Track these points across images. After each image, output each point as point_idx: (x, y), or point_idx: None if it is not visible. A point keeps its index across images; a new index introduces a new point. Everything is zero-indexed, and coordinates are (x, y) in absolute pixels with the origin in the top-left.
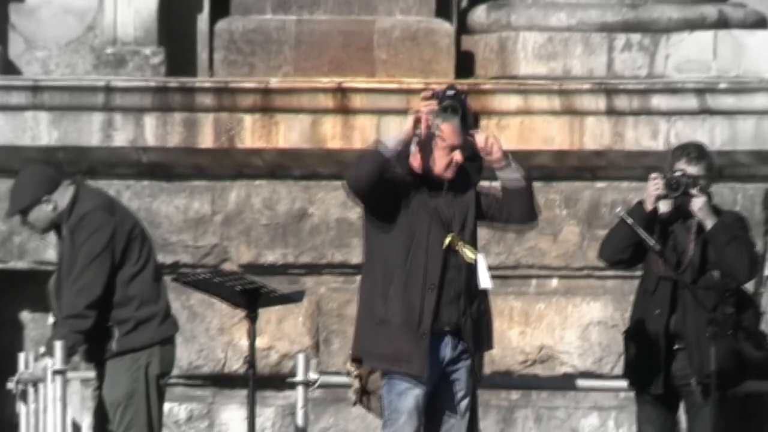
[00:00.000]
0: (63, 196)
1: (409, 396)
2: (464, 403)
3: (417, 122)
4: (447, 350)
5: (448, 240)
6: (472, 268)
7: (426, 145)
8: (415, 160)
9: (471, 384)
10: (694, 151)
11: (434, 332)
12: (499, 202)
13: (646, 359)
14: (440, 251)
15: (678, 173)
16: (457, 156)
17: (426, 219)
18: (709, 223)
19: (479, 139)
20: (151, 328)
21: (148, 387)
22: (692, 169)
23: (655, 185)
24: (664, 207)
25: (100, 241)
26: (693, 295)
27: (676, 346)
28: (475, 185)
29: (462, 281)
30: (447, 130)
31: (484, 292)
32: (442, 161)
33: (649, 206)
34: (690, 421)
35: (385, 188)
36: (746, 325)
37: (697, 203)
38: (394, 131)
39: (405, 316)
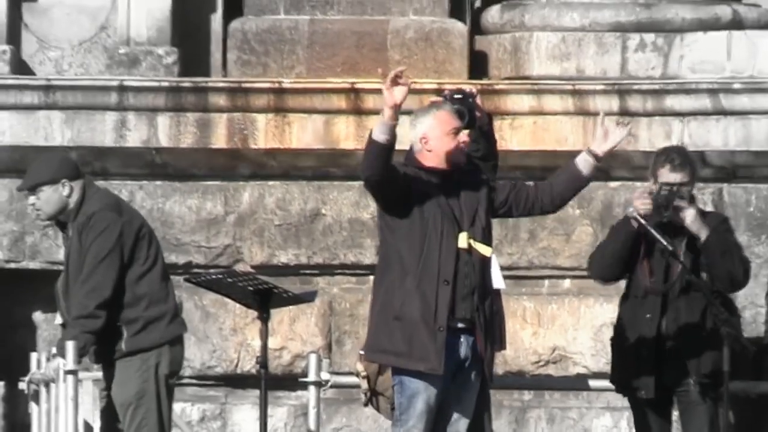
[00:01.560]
0: (77, 191)
1: (420, 398)
2: (472, 403)
3: (394, 107)
4: (462, 349)
5: (463, 238)
6: (485, 265)
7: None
8: (422, 157)
9: (480, 383)
10: (677, 157)
11: (450, 328)
12: (527, 193)
13: (637, 364)
14: (454, 246)
15: (664, 191)
16: (464, 137)
17: (438, 215)
18: (702, 234)
19: (612, 128)
20: (161, 328)
21: (158, 387)
22: (676, 176)
23: (642, 204)
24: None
25: (108, 241)
26: (685, 302)
27: (668, 345)
28: (489, 183)
29: (476, 277)
30: (443, 116)
31: (497, 293)
32: (450, 145)
33: (635, 224)
34: (685, 423)
35: (396, 179)
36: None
37: (689, 216)
38: (379, 119)
39: (421, 311)
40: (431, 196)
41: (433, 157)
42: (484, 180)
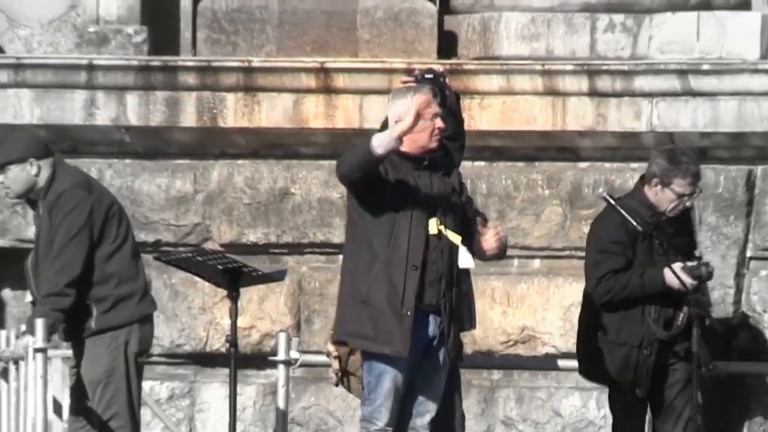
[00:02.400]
0: (46, 169)
1: (387, 378)
2: (440, 383)
3: (407, 132)
4: (429, 330)
5: (433, 224)
6: (454, 251)
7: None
8: (403, 141)
9: (448, 364)
10: (696, 173)
11: (417, 312)
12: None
13: (630, 363)
14: (423, 232)
15: (703, 270)
16: (439, 123)
17: (408, 200)
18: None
19: (489, 234)
20: (130, 306)
21: (127, 365)
22: (692, 188)
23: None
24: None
25: (78, 219)
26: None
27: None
28: (458, 165)
29: (444, 264)
30: (421, 99)
31: (466, 273)
32: (425, 132)
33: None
34: (662, 404)
35: (373, 178)
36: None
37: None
38: (386, 135)
39: (388, 295)
40: (403, 181)
41: (407, 141)
42: (455, 165)
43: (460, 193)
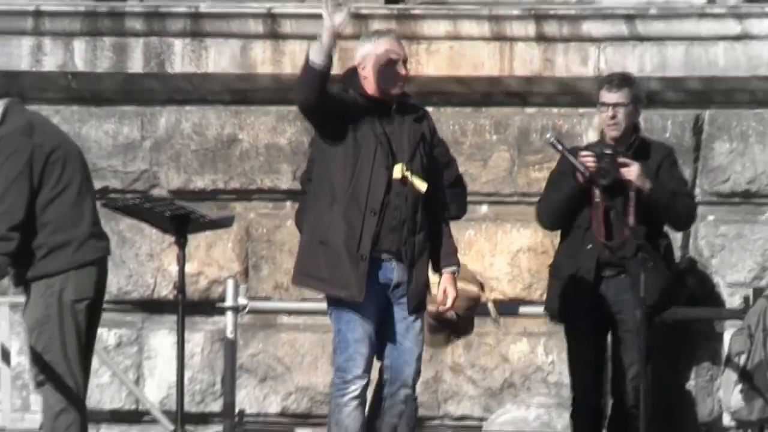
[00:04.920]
0: None
1: (356, 324)
2: (417, 325)
3: (332, 32)
4: (392, 275)
5: (398, 169)
6: (419, 199)
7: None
8: (368, 84)
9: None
10: (615, 79)
11: (375, 257)
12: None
13: (575, 294)
14: (384, 176)
15: (607, 158)
16: (401, 69)
17: (372, 143)
18: (646, 186)
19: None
20: (65, 254)
21: (61, 312)
22: (613, 97)
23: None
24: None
25: (17, 164)
26: (640, 240)
27: (606, 274)
28: (432, 128)
29: (407, 210)
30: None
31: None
32: (383, 74)
33: (580, 178)
34: (620, 346)
35: (331, 105)
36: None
37: (632, 172)
38: (317, 43)
39: (345, 238)
40: (368, 124)
41: (369, 84)
42: (429, 122)
43: (431, 141)
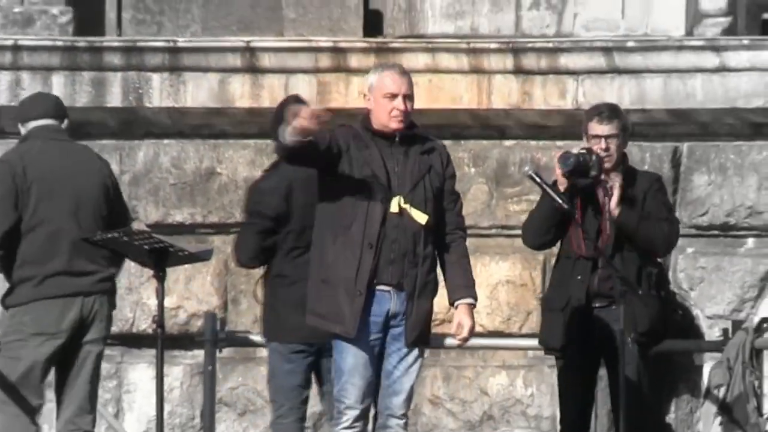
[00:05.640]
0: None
1: (349, 355)
2: (410, 357)
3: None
4: (389, 305)
5: (395, 202)
6: (419, 231)
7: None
8: (372, 117)
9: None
10: (605, 110)
11: (373, 291)
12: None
13: (566, 326)
14: (381, 209)
15: (584, 155)
16: (400, 104)
17: (369, 177)
18: (616, 212)
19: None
20: (27, 288)
21: (20, 343)
22: (604, 129)
23: (559, 170)
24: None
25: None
26: (614, 269)
27: (597, 305)
28: (446, 163)
29: (408, 242)
30: (384, 77)
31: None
32: (382, 108)
33: (561, 186)
34: (615, 379)
35: (317, 155)
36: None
37: (613, 201)
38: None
39: (344, 274)
40: (368, 158)
41: (374, 117)
42: (441, 154)
43: (443, 173)
